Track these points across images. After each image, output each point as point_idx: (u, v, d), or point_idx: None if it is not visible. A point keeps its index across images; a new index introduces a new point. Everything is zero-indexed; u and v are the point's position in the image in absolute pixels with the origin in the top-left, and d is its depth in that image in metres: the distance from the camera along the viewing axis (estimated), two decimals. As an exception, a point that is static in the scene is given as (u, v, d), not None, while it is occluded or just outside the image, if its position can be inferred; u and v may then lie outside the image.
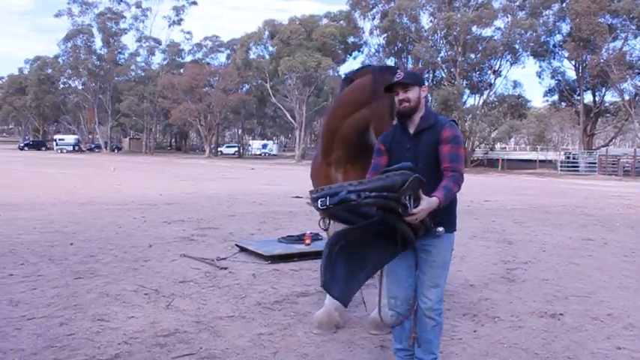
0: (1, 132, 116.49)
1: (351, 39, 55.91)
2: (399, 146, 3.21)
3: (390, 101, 3.49)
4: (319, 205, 2.80)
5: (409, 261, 3.21)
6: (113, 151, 72.32)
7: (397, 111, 3.24)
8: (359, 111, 3.87)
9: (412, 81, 3.14)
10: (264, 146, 78.26)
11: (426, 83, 3.37)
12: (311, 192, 2.90)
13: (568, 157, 47.98)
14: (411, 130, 3.20)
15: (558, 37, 47.60)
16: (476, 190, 19.93)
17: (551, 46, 48.31)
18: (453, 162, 3.03)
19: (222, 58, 71.32)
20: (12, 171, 26.20)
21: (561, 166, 44.00)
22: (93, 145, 76.25)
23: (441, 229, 3.09)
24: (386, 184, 2.74)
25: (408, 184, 2.72)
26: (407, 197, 2.75)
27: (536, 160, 50.72)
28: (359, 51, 57.39)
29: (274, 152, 76.84)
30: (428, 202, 2.84)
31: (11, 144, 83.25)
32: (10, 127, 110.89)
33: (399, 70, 3.33)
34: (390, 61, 53.63)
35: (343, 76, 4.33)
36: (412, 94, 3.13)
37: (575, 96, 49.49)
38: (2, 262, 6.29)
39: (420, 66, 46.82)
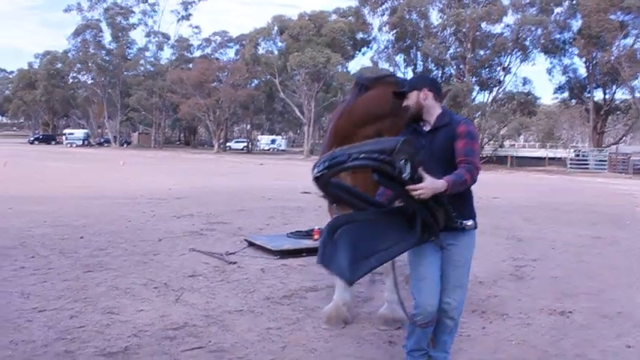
0: (12, 126, 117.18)
1: (360, 35, 55.81)
2: None
3: (407, 119, 3.51)
4: (314, 176, 2.82)
5: (439, 263, 3.17)
6: (122, 145, 72.49)
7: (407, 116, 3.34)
8: (375, 123, 3.85)
9: (408, 88, 3.26)
10: (273, 141, 78.09)
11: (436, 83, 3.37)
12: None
13: (578, 155, 47.69)
14: (426, 129, 3.23)
15: (569, 34, 47.24)
16: (485, 187, 19.83)
17: (561, 43, 47.95)
18: (468, 155, 3.04)
19: (230, 53, 71.31)
20: (22, 165, 26.37)
21: (571, 164, 43.73)
22: (102, 140, 76.45)
23: (470, 222, 3.10)
24: (375, 147, 2.76)
25: (399, 147, 2.72)
26: (402, 161, 2.73)
27: (545, 158, 50.44)
28: (368, 47, 57.30)
29: (283, 148, 76.73)
30: (432, 182, 2.81)
31: (21, 138, 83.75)
32: (21, 121, 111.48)
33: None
34: (399, 58, 53.60)
35: (357, 80, 4.25)
36: (411, 100, 3.23)
37: (585, 93, 49.15)
38: (14, 255, 6.35)
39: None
